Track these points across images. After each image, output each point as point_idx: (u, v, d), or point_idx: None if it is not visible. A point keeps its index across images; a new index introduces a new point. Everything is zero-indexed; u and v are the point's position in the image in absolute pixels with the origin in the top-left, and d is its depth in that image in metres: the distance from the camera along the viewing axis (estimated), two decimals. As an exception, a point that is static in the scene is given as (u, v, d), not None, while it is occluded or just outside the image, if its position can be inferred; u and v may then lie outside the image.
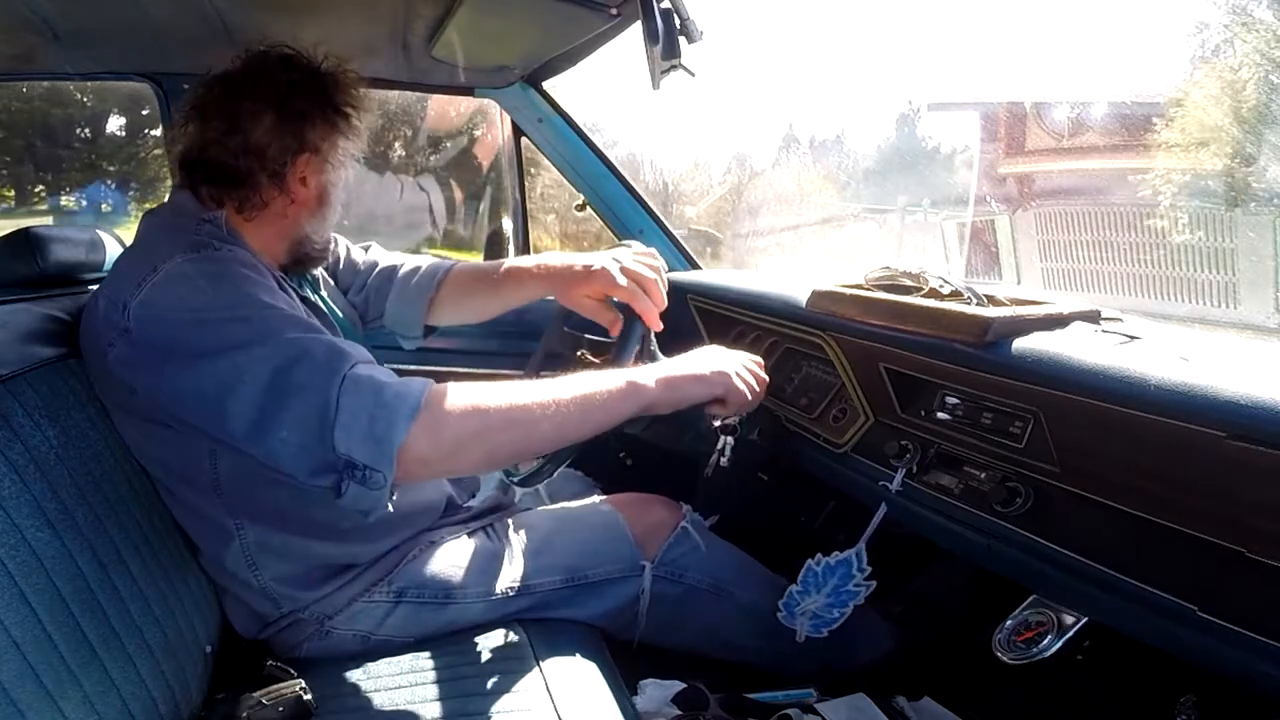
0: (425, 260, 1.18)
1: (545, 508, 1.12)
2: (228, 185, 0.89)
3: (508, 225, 1.68)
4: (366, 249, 1.23)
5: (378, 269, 1.17)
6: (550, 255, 1.08)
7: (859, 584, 0.99)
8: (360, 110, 0.94)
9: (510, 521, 1.05)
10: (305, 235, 0.95)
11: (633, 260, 0.99)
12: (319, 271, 1.09)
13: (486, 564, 0.98)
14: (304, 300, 0.95)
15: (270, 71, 0.89)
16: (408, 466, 0.71)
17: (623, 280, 0.97)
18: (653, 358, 0.99)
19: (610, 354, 0.98)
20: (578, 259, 1.03)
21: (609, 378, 0.81)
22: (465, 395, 0.74)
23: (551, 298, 1.08)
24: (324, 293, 1.09)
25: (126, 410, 0.83)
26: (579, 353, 1.17)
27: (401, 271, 1.16)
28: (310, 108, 0.90)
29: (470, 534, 1.01)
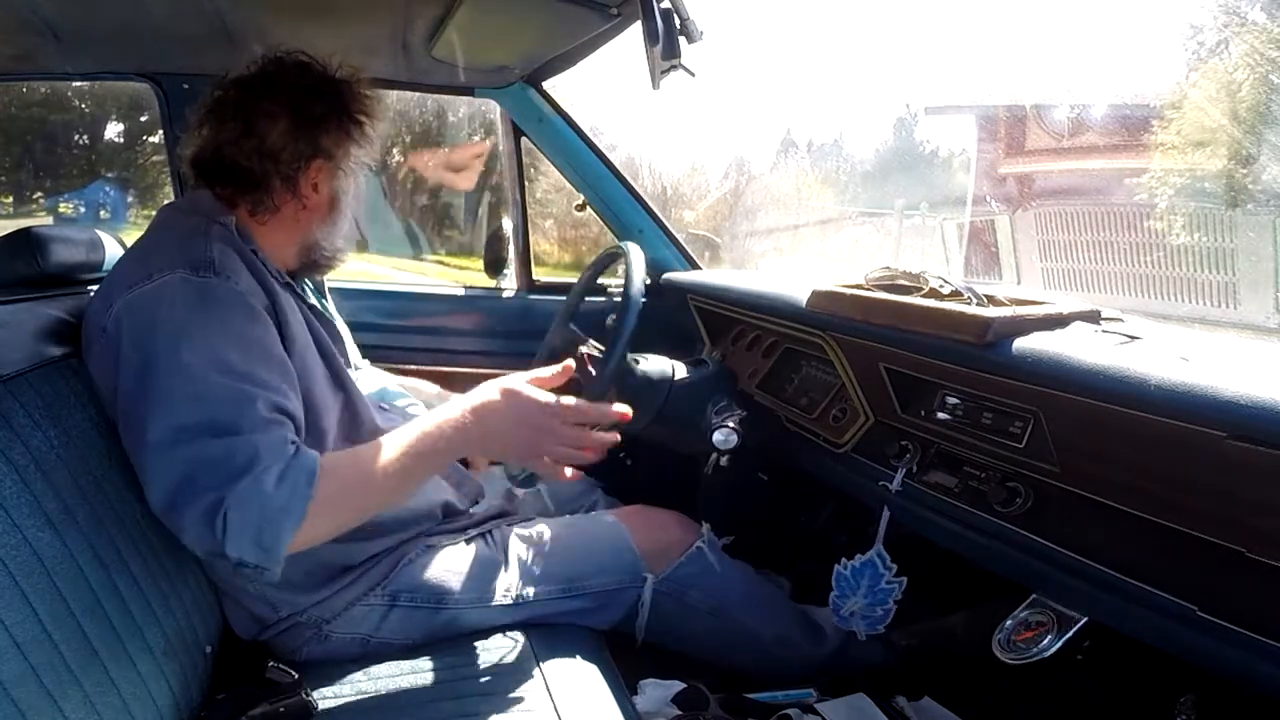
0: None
1: (549, 518, 1.12)
2: (241, 187, 0.90)
3: (507, 225, 1.68)
4: None
5: None
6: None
7: (890, 581, 0.99)
8: (374, 118, 0.95)
9: (512, 530, 1.05)
10: (315, 241, 0.95)
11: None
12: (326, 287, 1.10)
13: (483, 571, 0.98)
14: (310, 308, 0.95)
15: (286, 77, 0.90)
16: (293, 550, 0.75)
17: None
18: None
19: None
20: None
21: (440, 437, 0.80)
22: (345, 487, 0.77)
23: (558, 302, 1.08)
24: (330, 304, 1.09)
25: (117, 412, 0.83)
26: (581, 350, 1.18)
27: None
28: (325, 114, 0.91)
29: (469, 541, 1.01)
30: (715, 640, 1.07)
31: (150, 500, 0.75)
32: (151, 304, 0.78)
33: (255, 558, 0.72)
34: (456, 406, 0.82)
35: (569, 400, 0.83)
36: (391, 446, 0.79)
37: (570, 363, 0.88)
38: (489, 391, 0.82)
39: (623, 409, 0.86)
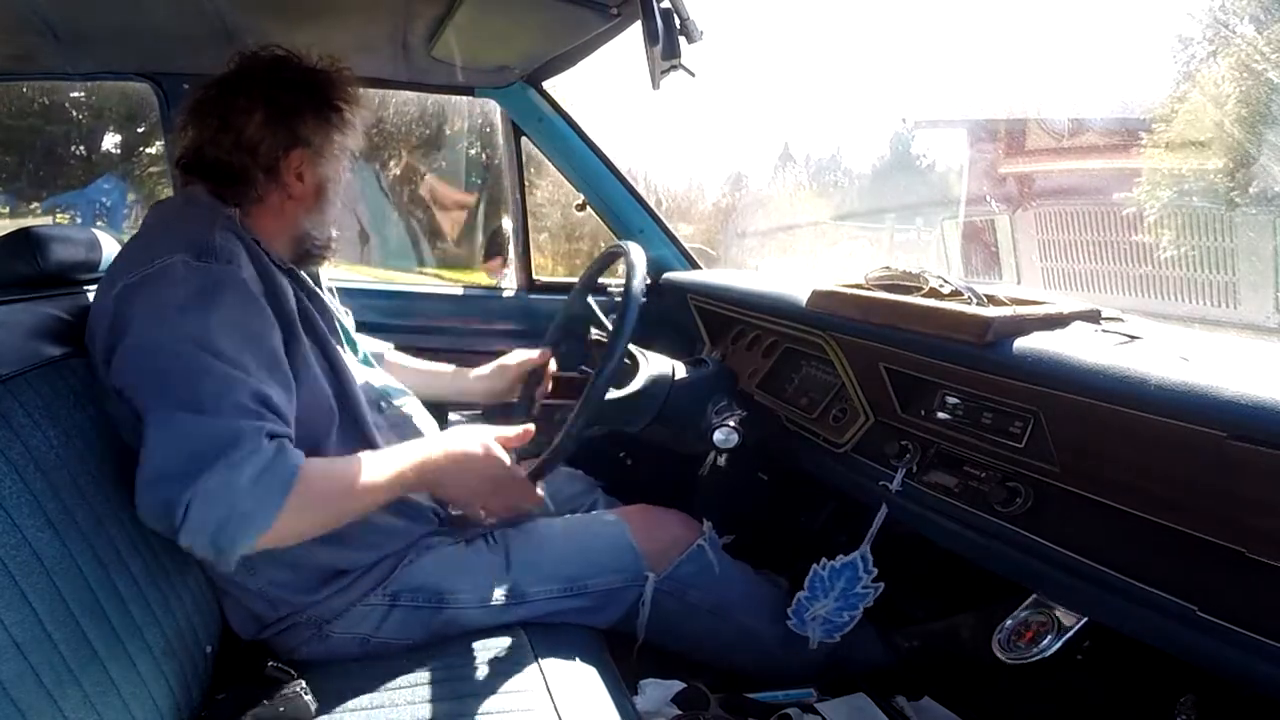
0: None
1: (550, 518, 1.12)
2: (224, 182, 0.91)
3: (507, 225, 1.68)
4: None
5: None
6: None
7: (866, 586, 0.99)
8: (354, 105, 0.96)
9: (513, 530, 1.05)
10: (305, 231, 0.96)
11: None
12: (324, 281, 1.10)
13: (483, 571, 0.98)
14: (310, 296, 0.95)
15: (261, 70, 0.92)
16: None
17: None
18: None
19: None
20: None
21: (416, 471, 0.86)
22: (317, 500, 0.79)
23: (558, 301, 1.09)
24: (330, 296, 1.09)
25: (121, 412, 0.83)
26: (592, 335, 1.20)
27: None
28: (301, 103, 0.92)
29: (469, 541, 1.01)
30: (716, 640, 1.07)
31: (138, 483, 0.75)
32: (153, 288, 0.79)
33: (208, 554, 0.73)
34: (437, 446, 0.89)
35: (519, 469, 0.94)
36: (370, 469, 0.83)
37: (530, 426, 0.96)
38: (469, 443, 0.90)
39: (538, 497, 0.97)
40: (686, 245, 1.62)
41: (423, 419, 1.07)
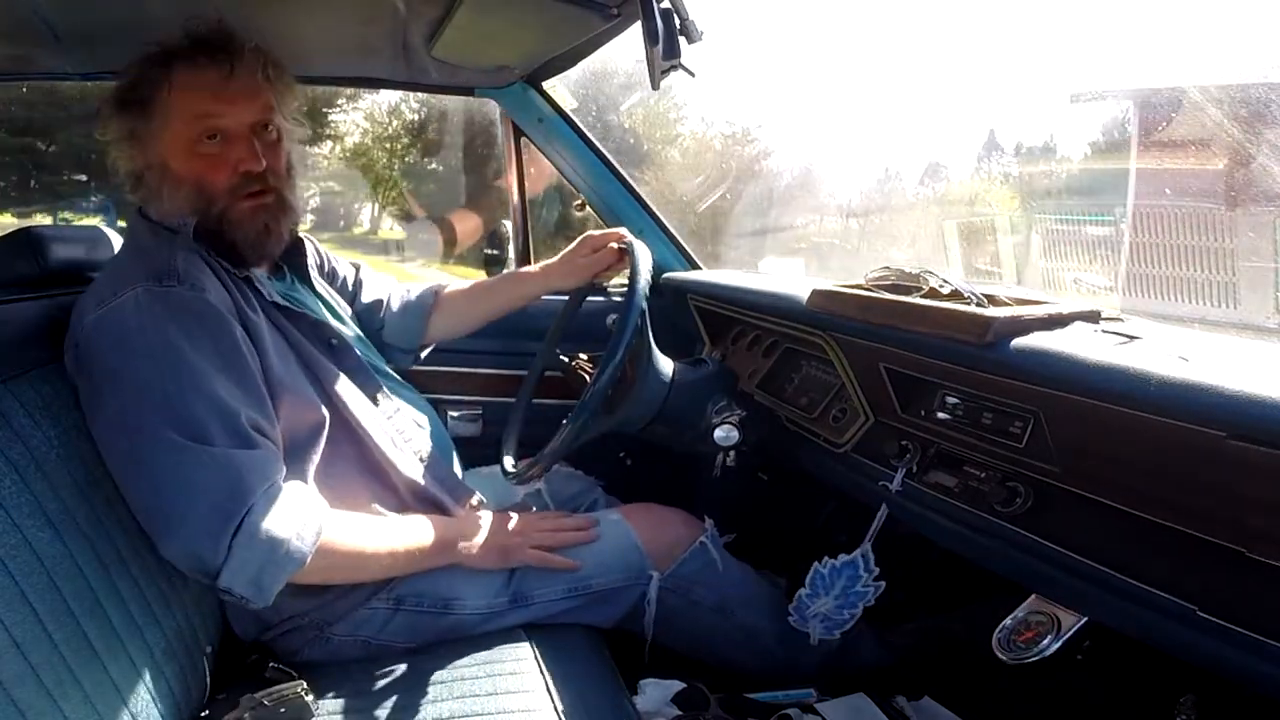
0: (416, 284, 1.23)
1: None
2: (139, 189, 0.93)
3: (507, 225, 1.67)
4: (357, 268, 1.25)
5: (367, 285, 1.23)
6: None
7: (867, 584, 0.99)
8: (236, 70, 0.90)
9: None
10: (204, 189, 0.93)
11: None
12: (312, 273, 1.09)
13: (487, 574, 0.98)
14: (280, 305, 0.95)
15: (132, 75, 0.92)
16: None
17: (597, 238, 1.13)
18: (648, 349, 1.02)
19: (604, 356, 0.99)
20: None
21: (436, 539, 0.94)
22: (345, 548, 0.85)
23: (559, 301, 1.09)
24: (318, 288, 1.09)
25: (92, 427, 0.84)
26: (574, 363, 1.19)
27: (398, 289, 1.23)
28: (133, 93, 0.91)
29: None
30: (719, 637, 1.07)
31: (136, 514, 0.77)
32: (118, 321, 0.80)
33: (247, 593, 0.76)
34: (453, 529, 0.96)
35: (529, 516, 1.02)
36: (393, 536, 0.90)
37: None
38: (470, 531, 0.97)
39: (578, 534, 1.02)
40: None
41: (419, 410, 1.08)
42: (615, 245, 1.15)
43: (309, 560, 0.78)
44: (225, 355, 0.82)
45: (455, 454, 1.09)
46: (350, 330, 1.09)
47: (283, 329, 0.93)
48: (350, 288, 1.22)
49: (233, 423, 0.78)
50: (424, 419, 1.07)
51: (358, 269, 1.25)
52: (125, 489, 0.77)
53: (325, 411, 0.91)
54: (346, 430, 0.93)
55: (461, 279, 1.31)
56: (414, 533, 0.92)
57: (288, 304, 0.97)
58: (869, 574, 0.99)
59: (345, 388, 0.95)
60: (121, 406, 0.77)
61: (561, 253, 1.20)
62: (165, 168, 0.91)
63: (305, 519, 0.79)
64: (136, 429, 0.76)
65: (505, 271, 1.22)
